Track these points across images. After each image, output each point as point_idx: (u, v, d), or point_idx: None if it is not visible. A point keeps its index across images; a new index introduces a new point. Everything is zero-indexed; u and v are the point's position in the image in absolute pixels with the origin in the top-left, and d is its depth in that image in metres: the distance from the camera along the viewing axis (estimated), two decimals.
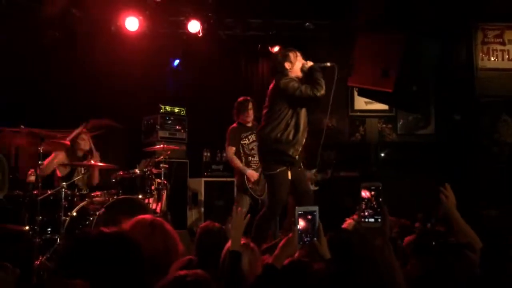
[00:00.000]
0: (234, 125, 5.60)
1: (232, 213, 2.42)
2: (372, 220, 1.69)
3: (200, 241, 2.76)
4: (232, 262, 2.16)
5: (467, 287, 1.59)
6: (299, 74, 4.23)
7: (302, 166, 4.37)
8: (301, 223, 1.92)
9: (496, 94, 6.87)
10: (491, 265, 1.66)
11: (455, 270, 1.76)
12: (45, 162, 4.71)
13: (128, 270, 1.55)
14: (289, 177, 4.18)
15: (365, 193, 1.71)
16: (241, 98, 5.60)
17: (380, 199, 1.69)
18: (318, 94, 4.00)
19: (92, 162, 4.97)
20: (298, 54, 4.27)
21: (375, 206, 1.69)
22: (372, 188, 1.71)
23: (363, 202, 1.70)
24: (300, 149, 4.20)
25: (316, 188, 6.22)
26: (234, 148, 5.48)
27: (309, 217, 1.92)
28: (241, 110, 5.53)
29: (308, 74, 4.18)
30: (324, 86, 4.03)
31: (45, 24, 6.14)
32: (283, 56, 4.26)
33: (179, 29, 6.79)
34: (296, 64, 4.22)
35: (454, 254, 1.83)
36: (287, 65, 4.21)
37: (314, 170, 6.22)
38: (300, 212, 1.93)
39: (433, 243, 2.21)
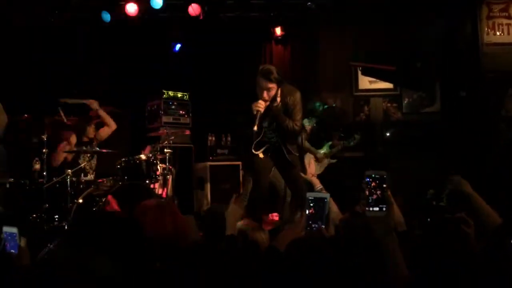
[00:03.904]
0: None
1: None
2: (377, 209, 1.69)
3: (207, 223, 2.80)
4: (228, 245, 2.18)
5: (463, 261, 1.57)
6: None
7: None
8: (311, 209, 1.93)
9: (502, 69, 6.77)
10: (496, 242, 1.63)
11: (449, 245, 1.75)
12: (59, 149, 4.78)
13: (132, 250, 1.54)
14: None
15: (369, 181, 1.70)
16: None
17: (385, 187, 1.68)
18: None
19: (97, 148, 4.98)
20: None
21: (380, 194, 1.69)
22: (377, 176, 1.71)
23: (367, 191, 1.70)
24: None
25: (334, 161, 6.25)
26: None
27: (319, 203, 1.93)
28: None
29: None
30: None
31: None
32: None
33: (180, 13, 6.73)
34: None
35: (448, 228, 1.81)
36: None
37: (330, 143, 6.24)
38: (310, 198, 1.94)
39: (428, 219, 2.17)
